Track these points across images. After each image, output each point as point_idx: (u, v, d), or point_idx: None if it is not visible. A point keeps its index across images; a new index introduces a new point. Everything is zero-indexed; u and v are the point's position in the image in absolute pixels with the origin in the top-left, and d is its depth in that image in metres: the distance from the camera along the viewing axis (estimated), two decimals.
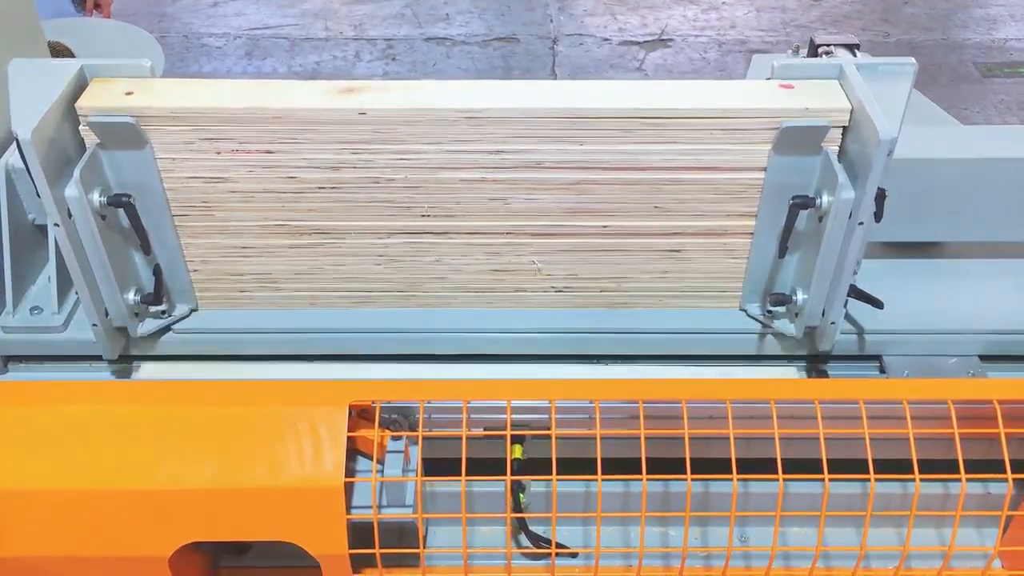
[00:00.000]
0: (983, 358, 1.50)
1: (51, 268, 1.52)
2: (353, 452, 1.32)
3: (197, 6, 5.02)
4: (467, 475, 1.22)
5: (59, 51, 2.18)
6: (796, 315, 1.44)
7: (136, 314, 1.46)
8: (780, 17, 4.78)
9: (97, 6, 2.79)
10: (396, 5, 4.98)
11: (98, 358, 1.50)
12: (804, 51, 2.17)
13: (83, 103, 1.28)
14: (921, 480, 1.20)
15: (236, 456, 1.25)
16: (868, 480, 1.21)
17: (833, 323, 1.41)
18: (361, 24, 4.79)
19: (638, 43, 4.54)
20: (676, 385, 1.30)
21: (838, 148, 1.32)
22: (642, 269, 1.47)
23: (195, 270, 1.46)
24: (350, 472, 1.30)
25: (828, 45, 2.06)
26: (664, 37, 4.58)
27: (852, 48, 2.06)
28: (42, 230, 1.58)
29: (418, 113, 1.28)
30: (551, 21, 4.78)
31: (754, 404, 1.27)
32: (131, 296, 1.43)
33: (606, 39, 4.57)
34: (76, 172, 1.26)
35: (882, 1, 4.97)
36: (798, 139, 1.30)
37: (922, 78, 2.16)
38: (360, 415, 1.31)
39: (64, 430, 1.26)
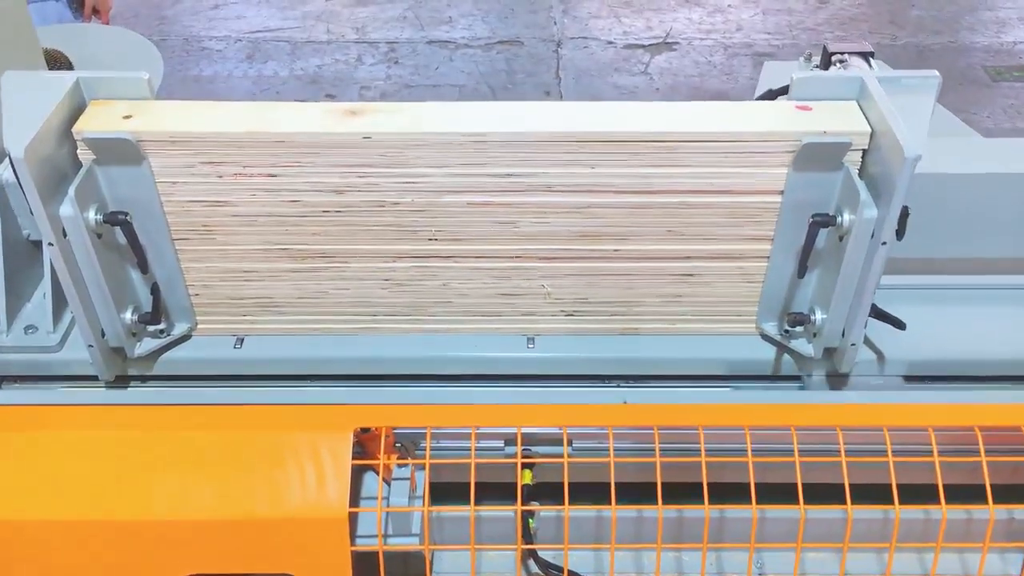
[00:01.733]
0: (1005, 379, 1.47)
1: (46, 285, 1.48)
2: (358, 470, 1.28)
3: (197, 8, 4.97)
4: (475, 499, 1.19)
5: (56, 59, 2.14)
6: (814, 335, 1.40)
7: (133, 334, 1.42)
8: (786, 20, 4.73)
9: (96, 11, 2.75)
10: (398, 8, 4.93)
11: (94, 378, 1.46)
12: (817, 58, 2.13)
13: (80, 127, 1.24)
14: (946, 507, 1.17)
15: (236, 485, 1.21)
16: (892, 508, 1.17)
17: (853, 344, 1.37)
18: (363, 27, 4.75)
19: (643, 46, 4.50)
20: (692, 411, 1.27)
21: (859, 164, 1.28)
22: (654, 293, 1.43)
23: (195, 294, 1.43)
24: (355, 497, 1.27)
25: (842, 53, 2.02)
26: (669, 40, 4.53)
27: (867, 56, 2.02)
28: (37, 245, 1.54)
29: (424, 136, 1.24)
30: (555, 24, 4.74)
31: (773, 431, 1.24)
32: (128, 315, 1.39)
33: (611, 42, 4.53)
34: (71, 190, 1.23)
35: (889, 3, 4.92)
36: (818, 155, 1.26)
37: None
38: (365, 439, 1.27)
39: (58, 457, 1.23)
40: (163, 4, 5.00)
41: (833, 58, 2.01)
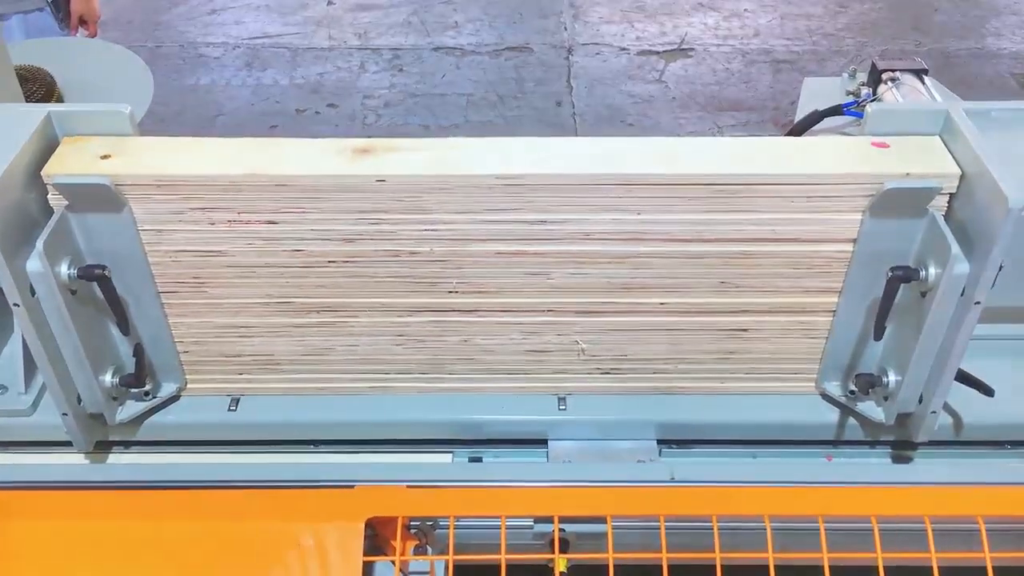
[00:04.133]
0: None
1: (17, 340, 1.32)
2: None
3: (194, 14, 4.79)
4: None
5: (38, 77, 1.97)
6: (886, 398, 1.24)
7: (114, 398, 1.26)
8: (805, 25, 4.55)
9: (83, 22, 2.58)
10: (402, 12, 4.76)
11: (72, 443, 1.30)
12: (861, 74, 1.97)
13: (50, 170, 1.08)
14: None
15: None
16: None
17: (934, 412, 1.20)
18: (366, 33, 4.57)
19: (657, 53, 4.31)
20: (754, 496, 1.10)
21: (944, 209, 1.11)
22: (703, 349, 1.27)
23: (185, 351, 1.27)
24: None
25: (893, 71, 1.86)
26: (684, 46, 4.35)
27: (920, 74, 1.86)
28: None
29: (447, 179, 1.08)
30: (565, 29, 4.56)
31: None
32: (108, 378, 1.23)
33: (624, 48, 4.35)
34: (39, 243, 1.06)
35: (912, 7, 4.73)
36: (900, 200, 1.09)
37: (958, 90, 1.96)
38: (377, 522, 1.11)
39: (26, 555, 1.06)
40: (158, 9, 4.82)
41: (883, 75, 1.85)
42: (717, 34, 4.47)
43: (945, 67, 4.13)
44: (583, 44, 4.39)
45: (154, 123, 3.70)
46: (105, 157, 1.09)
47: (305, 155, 1.11)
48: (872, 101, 1.78)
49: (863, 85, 1.90)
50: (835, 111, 1.77)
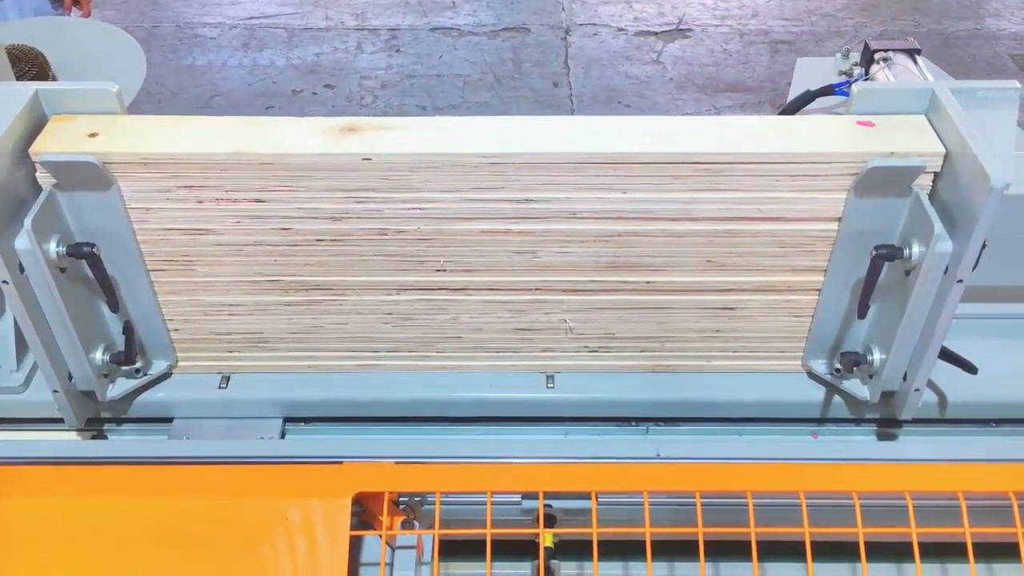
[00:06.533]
0: None
1: (8, 318, 1.33)
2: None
3: None
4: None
5: (30, 57, 1.97)
6: (870, 376, 1.25)
7: (105, 375, 1.27)
8: (804, 5, 4.53)
9: (76, 2, 2.57)
10: None
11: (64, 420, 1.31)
12: (854, 55, 1.97)
13: (38, 148, 1.08)
14: None
15: (217, 561, 1.06)
16: None
17: (917, 390, 1.21)
18: (363, 13, 4.56)
19: (655, 33, 4.30)
20: (738, 472, 1.12)
21: (929, 188, 1.12)
22: (689, 328, 1.27)
23: (175, 329, 1.27)
24: (354, 567, 1.12)
25: (886, 51, 1.86)
26: (683, 27, 4.34)
27: (912, 54, 1.86)
28: None
29: (432, 158, 1.09)
30: (563, 10, 4.54)
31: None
32: (99, 355, 1.24)
33: (621, 29, 4.33)
34: (28, 221, 1.07)
35: None
36: (884, 179, 1.10)
37: (957, 72, 1.96)
38: (365, 497, 1.13)
39: (11, 529, 1.07)
40: None
41: (876, 55, 1.85)
42: (715, 14, 4.45)
43: (944, 48, 4.12)
44: (581, 25, 4.38)
45: (150, 104, 3.71)
46: (93, 135, 1.10)
47: (291, 134, 1.11)
48: (864, 81, 1.78)
49: (856, 65, 1.90)
50: (826, 91, 1.77)
